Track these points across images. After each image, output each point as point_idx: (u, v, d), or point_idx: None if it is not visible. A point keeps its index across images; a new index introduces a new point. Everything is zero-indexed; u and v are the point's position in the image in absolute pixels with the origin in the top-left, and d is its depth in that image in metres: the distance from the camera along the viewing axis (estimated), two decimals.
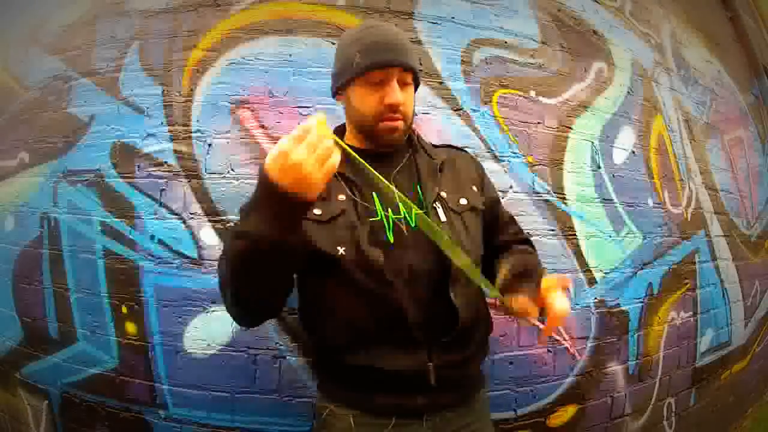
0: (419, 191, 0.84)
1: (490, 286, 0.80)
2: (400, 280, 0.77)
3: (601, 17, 1.75)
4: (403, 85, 0.82)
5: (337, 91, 0.89)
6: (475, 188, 0.92)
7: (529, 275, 0.86)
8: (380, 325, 0.77)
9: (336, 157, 0.59)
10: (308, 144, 0.56)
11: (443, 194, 0.85)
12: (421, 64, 1.38)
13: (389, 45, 0.80)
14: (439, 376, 0.77)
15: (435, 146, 0.99)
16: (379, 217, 0.80)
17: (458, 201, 0.87)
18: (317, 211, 0.80)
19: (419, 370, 0.77)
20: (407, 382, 0.77)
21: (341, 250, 0.76)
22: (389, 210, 0.81)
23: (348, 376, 0.81)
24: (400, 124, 0.82)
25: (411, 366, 0.77)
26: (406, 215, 0.80)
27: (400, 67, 0.80)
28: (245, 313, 0.77)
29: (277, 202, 0.59)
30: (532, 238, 1.38)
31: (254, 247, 0.62)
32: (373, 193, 0.82)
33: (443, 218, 0.82)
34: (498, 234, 0.97)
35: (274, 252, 0.64)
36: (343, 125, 0.96)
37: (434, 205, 0.82)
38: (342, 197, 0.81)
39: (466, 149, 1.01)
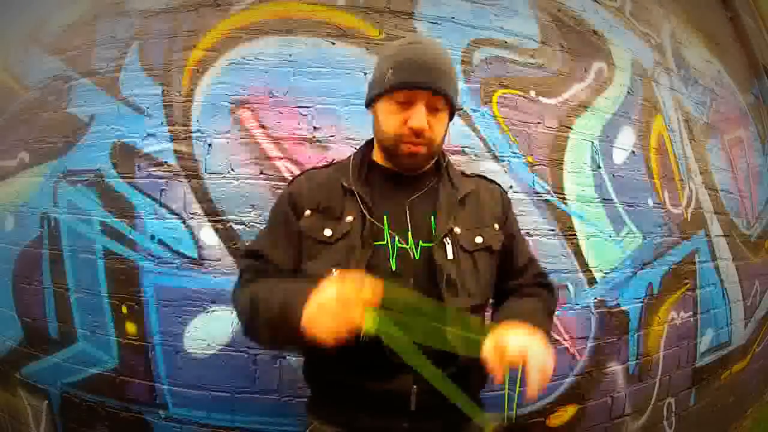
0: (432, 224, 0.81)
1: (471, 408, 0.69)
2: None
3: (601, 17, 1.75)
4: (432, 109, 0.77)
5: (369, 103, 0.87)
6: (496, 226, 0.87)
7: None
8: (360, 350, 0.73)
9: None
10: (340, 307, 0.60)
11: (457, 230, 0.81)
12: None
13: (423, 66, 0.75)
14: (423, 401, 0.75)
15: (465, 175, 0.94)
16: (384, 242, 0.78)
17: (473, 239, 0.82)
18: (328, 232, 0.79)
19: (403, 394, 0.75)
20: (390, 404, 0.75)
21: (335, 273, 0.75)
22: (396, 237, 0.79)
23: (334, 393, 0.80)
24: (421, 149, 0.78)
25: (395, 389, 0.74)
26: (413, 246, 0.78)
27: (430, 91, 0.75)
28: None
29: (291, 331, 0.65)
30: (532, 238, 1.41)
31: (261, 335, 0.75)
32: (383, 215, 0.80)
33: (450, 256, 0.78)
34: (511, 277, 0.90)
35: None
36: (360, 147, 0.94)
37: (444, 240, 0.79)
38: (350, 218, 0.79)
39: (497, 182, 0.97)
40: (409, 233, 0.79)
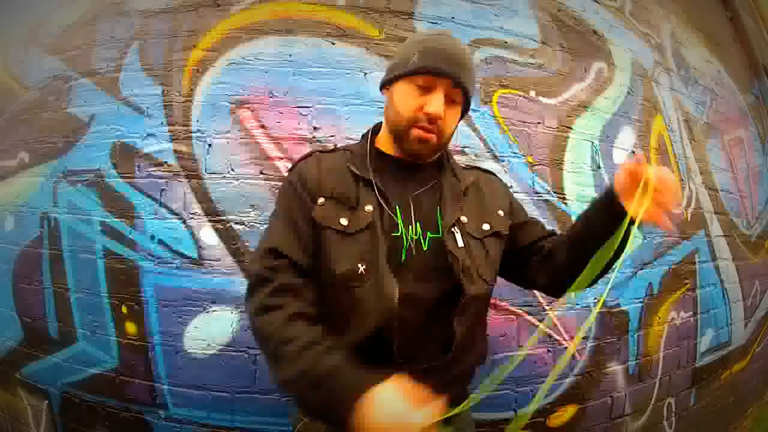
0: (438, 215, 0.81)
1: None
2: (403, 305, 0.73)
3: (601, 17, 1.75)
4: (449, 101, 0.78)
5: (385, 85, 0.86)
6: (501, 213, 0.88)
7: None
8: (367, 344, 0.74)
9: None
10: None
11: (463, 219, 0.81)
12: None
13: (450, 56, 0.76)
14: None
15: (464, 168, 0.95)
16: (399, 233, 0.77)
17: (480, 226, 0.83)
18: (344, 221, 0.76)
19: None
20: None
21: (361, 268, 0.74)
22: (410, 227, 0.77)
23: None
24: (432, 137, 0.78)
25: None
26: (421, 237, 0.77)
27: (451, 81, 0.76)
28: None
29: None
30: None
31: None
32: (396, 206, 0.79)
33: (460, 243, 0.79)
34: (544, 239, 0.91)
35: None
36: (380, 124, 0.91)
37: (452, 230, 0.79)
38: (369, 207, 0.77)
39: (494, 173, 0.98)
40: (418, 224, 0.79)
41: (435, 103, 0.75)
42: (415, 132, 0.77)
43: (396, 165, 0.84)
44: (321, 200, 0.78)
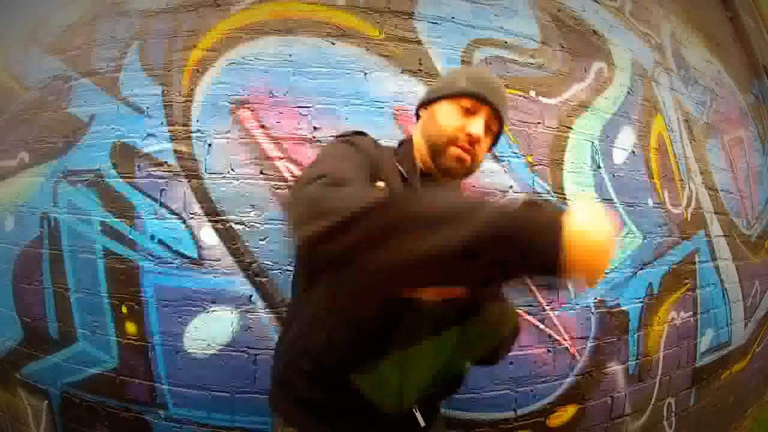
0: None
1: None
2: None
3: (601, 17, 1.75)
4: (486, 128, 0.82)
5: (425, 104, 0.89)
6: None
7: None
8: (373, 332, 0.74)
9: None
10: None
11: None
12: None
13: (494, 88, 0.83)
14: (423, 413, 0.80)
15: None
16: None
17: None
18: None
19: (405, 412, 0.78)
20: (384, 416, 0.77)
21: None
22: None
23: (324, 398, 0.77)
24: (468, 159, 0.81)
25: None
26: None
27: (493, 110, 0.81)
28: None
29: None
30: None
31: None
32: None
33: None
34: None
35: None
36: (407, 138, 0.90)
37: None
38: None
39: None
40: None
41: (477, 125, 0.80)
42: (455, 150, 0.80)
43: (425, 180, 0.85)
44: (381, 183, 0.74)
